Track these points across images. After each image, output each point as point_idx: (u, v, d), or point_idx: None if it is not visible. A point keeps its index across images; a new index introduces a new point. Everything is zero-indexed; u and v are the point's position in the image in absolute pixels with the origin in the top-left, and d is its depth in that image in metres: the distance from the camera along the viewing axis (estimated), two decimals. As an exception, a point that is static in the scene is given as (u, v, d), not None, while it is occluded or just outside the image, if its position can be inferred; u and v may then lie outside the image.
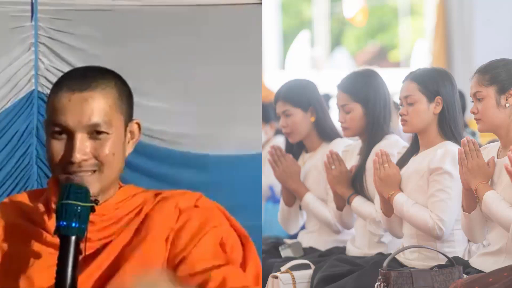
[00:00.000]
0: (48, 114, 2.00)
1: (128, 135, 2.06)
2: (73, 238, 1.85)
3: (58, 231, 1.85)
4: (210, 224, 2.01)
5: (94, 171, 1.96)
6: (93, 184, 1.96)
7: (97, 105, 1.96)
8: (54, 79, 4.06)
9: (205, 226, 2.00)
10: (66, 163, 1.96)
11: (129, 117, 2.06)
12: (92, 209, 1.90)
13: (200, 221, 2.01)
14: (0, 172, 4.07)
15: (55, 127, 1.97)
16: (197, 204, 2.05)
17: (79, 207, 1.87)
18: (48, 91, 4.13)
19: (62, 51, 4.11)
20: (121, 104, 2.02)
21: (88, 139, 1.96)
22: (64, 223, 1.85)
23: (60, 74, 4.21)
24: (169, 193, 2.07)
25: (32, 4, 4.06)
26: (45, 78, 4.09)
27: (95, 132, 1.96)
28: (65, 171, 1.96)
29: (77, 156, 1.94)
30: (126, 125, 2.05)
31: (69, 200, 1.87)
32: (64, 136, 1.97)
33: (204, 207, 2.05)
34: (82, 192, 1.90)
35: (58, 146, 1.97)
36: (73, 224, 1.85)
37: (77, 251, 1.85)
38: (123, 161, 2.04)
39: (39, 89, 4.11)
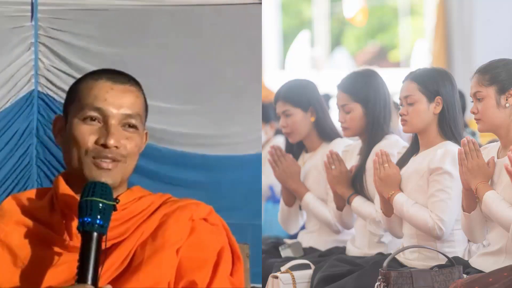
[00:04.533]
0: (81, 100, 2.02)
1: None
2: (95, 234, 1.86)
3: (82, 226, 1.86)
4: (217, 246, 2.07)
5: (119, 161, 2.01)
6: (116, 175, 2.00)
7: (135, 99, 2.05)
8: (54, 79, 4.07)
9: (214, 248, 2.06)
10: (99, 147, 1.99)
11: (144, 125, 2.13)
12: (115, 208, 1.92)
13: (210, 242, 2.06)
14: (0, 171, 4.07)
15: (92, 112, 2.00)
16: (206, 218, 2.09)
17: (103, 204, 1.88)
18: (48, 91, 4.15)
19: (62, 51, 4.11)
20: (145, 109, 2.10)
21: (121, 129, 2.02)
22: (89, 219, 1.86)
23: (60, 74, 4.23)
24: (184, 203, 2.10)
25: (32, 4, 4.07)
26: (45, 78, 4.09)
27: (127, 125, 2.02)
28: (95, 156, 1.99)
29: (112, 141, 1.98)
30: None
31: (94, 197, 1.88)
32: (97, 123, 2.01)
33: (211, 223, 2.10)
34: (107, 190, 1.92)
35: (91, 131, 2.00)
36: (98, 221, 1.86)
37: (99, 248, 1.86)
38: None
39: (39, 89, 4.11)
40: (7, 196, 2.17)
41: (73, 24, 4.11)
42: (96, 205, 1.87)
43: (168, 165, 4.16)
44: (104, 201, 1.88)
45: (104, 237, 1.88)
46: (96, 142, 1.99)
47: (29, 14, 4.07)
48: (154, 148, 4.10)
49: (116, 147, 1.99)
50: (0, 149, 4.07)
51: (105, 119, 2.00)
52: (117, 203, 1.93)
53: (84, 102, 2.01)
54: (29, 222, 2.05)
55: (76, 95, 2.04)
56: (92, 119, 2.00)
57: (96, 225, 1.85)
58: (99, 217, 1.86)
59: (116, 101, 2.01)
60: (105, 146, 1.98)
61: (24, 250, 2.01)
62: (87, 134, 2.00)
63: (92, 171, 1.98)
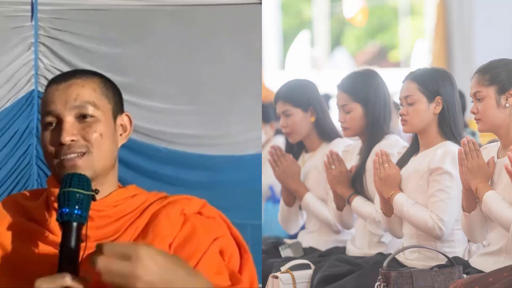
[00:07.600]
0: (40, 112, 2.08)
1: (120, 128, 2.12)
2: (75, 224, 1.86)
3: (60, 217, 1.87)
4: (212, 236, 2.03)
5: (84, 153, 2.01)
6: (85, 168, 2.01)
7: (82, 89, 2.05)
8: (54, 79, 4.07)
9: (208, 238, 2.02)
10: (57, 147, 2.01)
11: (118, 110, 2.12)
12: (93, 198, 1.93)
13: (204, 232, 2.04)
14: (0, 171, 4.07)
15: (46, 117, 2.04)
16: (201, 211, 2.08)
17: (80, 194, 1.89)
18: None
19: (62, 51, 4.11)
20: (107, 92, 2.09)
21: (77, 122, 2.03)
22: (67, 209, 1.87)
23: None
24: (175, 198, 2.10)
25: (32, 4, 4.06)
26: (45, 78, 4.09)
27: (81, 116, 2.03)
28: (57, 156, 2.01)
29: (66, 137, 1.99)
30: (115, 116, 2.10)
31: (71, 188, 1.89)
32: (54, 125, 2.03)
33: (207, 216, 2.08)
34: (84, 181, 1.93)
35: (50, 135, 2.03)
36: (76, 211, 1.87)
37: (79, 237, 1.86)
38: (114, 149, 2.08)
39: (39, 88, 4.11)
40: (7, 196, 2.18)
41: (73, 24, 4.11)
42: (73, 196, 1.88)
43: (168, 165, 4.16)
44: (81, 191, 1.90)
45: (84, 227, 1.88)
46: (54, 144, 2.02)
47: (29, 14, 4.07)
48: (154, 148, 4.10)
49: (73, 140, 2.00)
50: (0, 149, 4.07)
51: (58, 119, 2.03)
52: (96, 193, 1.94)
53: (41, 112, 2.06)
54: (25, 222, 2.06)
55: (40, 110, 2.10)
56: (50, 124, 2.04)
57: (75, 215, 1.86)
58: (77, 207, 1.87)
59: (61, 98, 2.03)
60: (61, 144, 2.00)
61: (19, 250, 2.02)
62: (48, 139, 2.03)
63: (61, 173, 2.00)
